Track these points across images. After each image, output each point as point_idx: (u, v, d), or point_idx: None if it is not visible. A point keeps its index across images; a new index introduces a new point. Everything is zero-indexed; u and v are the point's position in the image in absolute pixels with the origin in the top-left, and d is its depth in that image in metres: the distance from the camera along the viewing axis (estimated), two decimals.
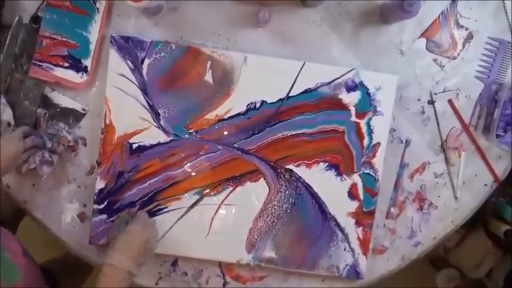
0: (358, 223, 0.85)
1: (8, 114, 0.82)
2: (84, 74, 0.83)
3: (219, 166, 0.84)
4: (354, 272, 0.85)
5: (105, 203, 0.83)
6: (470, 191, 0.89)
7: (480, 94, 0.88)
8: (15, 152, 0.75)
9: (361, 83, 0.83)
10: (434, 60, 0.87)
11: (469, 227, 1.30)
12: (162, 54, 0.82)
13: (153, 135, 0.83)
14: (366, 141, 0.84)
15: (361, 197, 0.85)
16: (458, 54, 0.87)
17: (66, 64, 0.83)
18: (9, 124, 0.82)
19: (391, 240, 0.88)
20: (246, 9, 0.84)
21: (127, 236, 0.73)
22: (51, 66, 0.83)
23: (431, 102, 0.87)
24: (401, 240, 0.88)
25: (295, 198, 0.84)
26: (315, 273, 0.85)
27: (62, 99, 0.85)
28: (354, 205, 0.85)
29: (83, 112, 0.85)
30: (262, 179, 0.84)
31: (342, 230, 0.85)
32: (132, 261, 0.70)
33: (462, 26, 0.87)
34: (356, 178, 0.84)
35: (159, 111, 0.83)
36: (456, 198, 0.88)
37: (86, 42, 0.83)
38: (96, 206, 0.83)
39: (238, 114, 0.83)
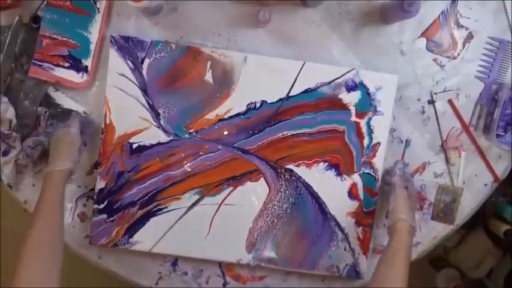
0: (358, 223, 0.85)
1: (10, 113, 0.82)
2: (85, 74, 0.83)
3: (219, 166, 0.84)
4: (354, 272, 0.85)
5: (105, 203, 0.83)
6: (470, 191, 0.88)
7: (480, 94, 0.88)
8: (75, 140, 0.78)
9: (361, 83, 0.83)
10: (435, 60, 0.87)
11: (469, 227, 1.30)
12: (162, 54, 0.82)
13: (153, 135, 0.83)
14: (366, 141, 0.84)
15: (361, 196, 0.85)
16: (459, 54, 0.87)
17: (66, 64, 0.83)
18: (11, 122, 0.82)
19: None
20: (246, 9, 0.84)
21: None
22: (52, 66, 0.83)
23: (431, 102, 0.87)
24: None
25: (295, 198, 0.84)
26: (315, 273, 0.85)
27: (65, 100, 0.85)
28: (354, 205, 0.85)
29: (84, 116, 0.85)
30: (262, 178, 0.84)
31: (342, 229, 0.85)
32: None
33: (462, 26, 0.87)
34: (356, 178, 0.84)
35: (159, 111, 0.83)
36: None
37: (86, 42, 0.83)
38: (96, 206, 0.83)
39: (238, 114, 0.83)
